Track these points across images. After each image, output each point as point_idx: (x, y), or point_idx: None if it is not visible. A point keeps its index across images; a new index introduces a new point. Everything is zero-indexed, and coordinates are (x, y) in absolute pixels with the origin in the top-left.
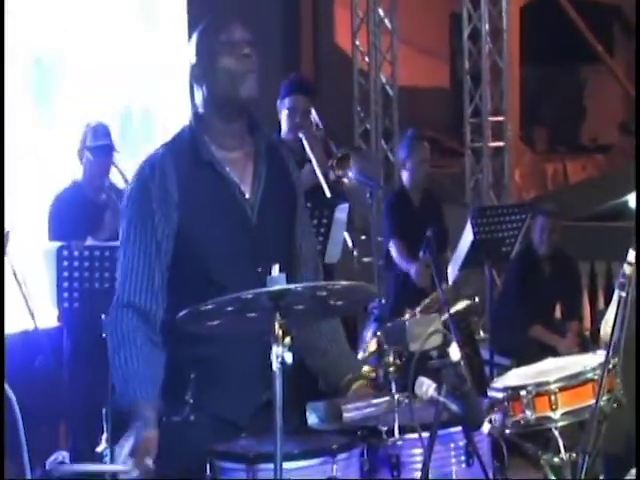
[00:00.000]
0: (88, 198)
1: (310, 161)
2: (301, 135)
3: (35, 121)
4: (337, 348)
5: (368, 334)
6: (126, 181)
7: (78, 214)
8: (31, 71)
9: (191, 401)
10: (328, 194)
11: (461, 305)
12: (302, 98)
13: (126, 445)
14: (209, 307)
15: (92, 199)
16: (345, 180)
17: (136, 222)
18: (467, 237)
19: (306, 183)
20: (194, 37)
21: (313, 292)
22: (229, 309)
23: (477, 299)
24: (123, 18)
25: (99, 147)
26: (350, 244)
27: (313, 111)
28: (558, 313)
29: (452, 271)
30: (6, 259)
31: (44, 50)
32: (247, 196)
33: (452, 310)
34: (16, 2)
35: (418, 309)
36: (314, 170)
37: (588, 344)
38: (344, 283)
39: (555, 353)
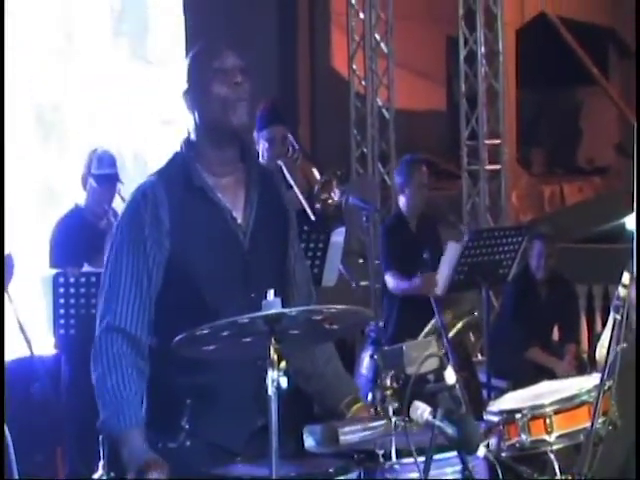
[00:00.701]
0: (89, 223)
1: (292, 187)
2: (280, 163)
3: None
4: (332, 368)
5: (365, 357)
6: None
7: (79, 240)
8: (32, 121)
9: (187, 427)
10: (312, 217)
11: (462, 323)
12: (280, 128)
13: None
14: (204, 332)
15: (93, 224)
16: (330, 202)
17: (128, 249)
18: (452, 249)
19: None
20: (187, 62)
21: (309, 316)
22: (225, 334)
23: (476, 313)
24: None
25: (103, 176)
26: (344, 271)
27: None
28: (556, 336)
29: (441, 274)
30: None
31: (44, 103)
32: (239, 221)
33: (454, 330)
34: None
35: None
36: (297, 196)
37: (586, 366)
38: (339, 307)
39: (553, 376)
